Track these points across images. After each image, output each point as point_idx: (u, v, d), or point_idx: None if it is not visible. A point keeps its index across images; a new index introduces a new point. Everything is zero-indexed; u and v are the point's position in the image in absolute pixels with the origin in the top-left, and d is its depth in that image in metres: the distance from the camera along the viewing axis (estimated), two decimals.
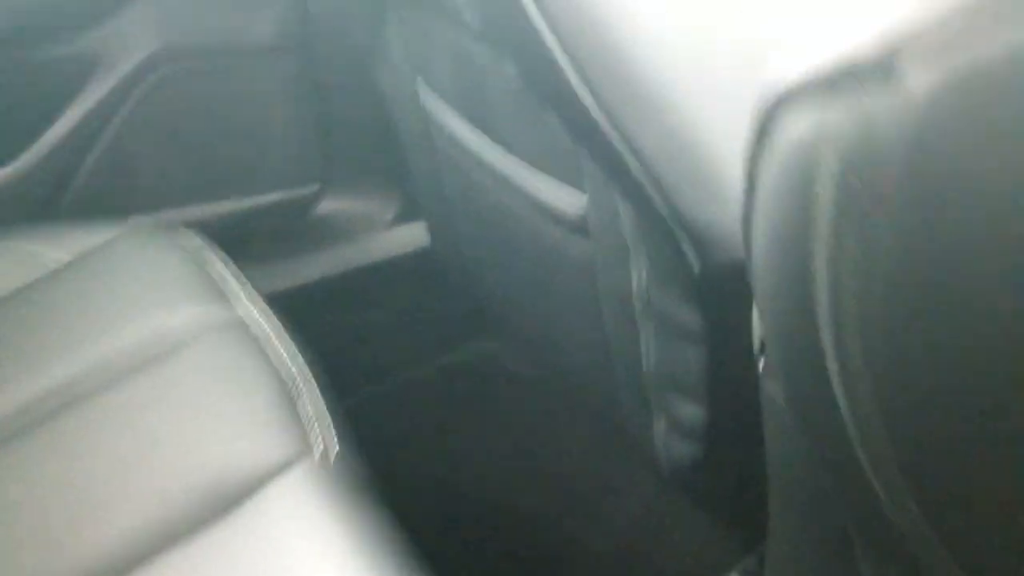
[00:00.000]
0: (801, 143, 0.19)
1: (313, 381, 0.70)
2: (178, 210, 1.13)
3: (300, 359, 0.71)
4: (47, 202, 1.07)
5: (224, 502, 0.61)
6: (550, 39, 0.52)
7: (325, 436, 0.65)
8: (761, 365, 0.58)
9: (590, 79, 0.53)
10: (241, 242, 1.20)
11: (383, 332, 1.27)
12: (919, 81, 0.17)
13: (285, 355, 0.72)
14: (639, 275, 0.68)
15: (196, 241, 0.85)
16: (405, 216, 1.25)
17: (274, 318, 0.75)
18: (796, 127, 0.20)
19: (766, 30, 0.52)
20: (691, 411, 0.72)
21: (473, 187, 0.91)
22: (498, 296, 1.07)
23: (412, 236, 1.24)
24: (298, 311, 1.22)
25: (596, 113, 0.55)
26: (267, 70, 1.12)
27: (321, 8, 1.10)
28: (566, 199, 0.73)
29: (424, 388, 1.27)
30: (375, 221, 1.25)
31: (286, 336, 0.73)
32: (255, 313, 0.76)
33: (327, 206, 1.24)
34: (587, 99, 0.54)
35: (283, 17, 1.09)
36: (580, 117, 0.56)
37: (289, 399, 0.68)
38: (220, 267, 0.81)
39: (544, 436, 1.21)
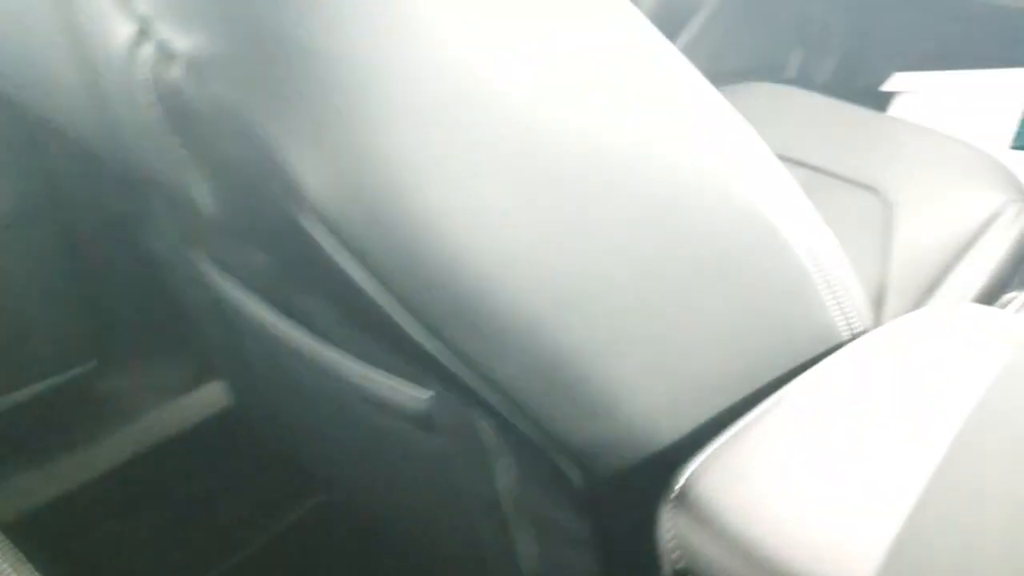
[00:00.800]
0: None
1: None
2: None
3: None
4: None
5: None
6: (362, 278, 0.42)
7: None
8: None
9: (422, 316, 0.43)
10: (13, 444, 1.03)
11: (199, 511, 1.12)
12: None
13: None
14: (506, 478, 0.59)
15: None
16: (200, 378, 1.10)
17: None
18: None
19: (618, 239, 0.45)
20: None
21: (281, 366, 0.79)
22: (327, 461, 0.95)
23: (212, 398, 1.10)
24: (94, 510, 1.06)
25: (433, 347, 0.45)
26: (15, 247, 0.96)
27: (68, 172, 0.96)
28: (406, 393, 0.63)
29: (261, 565, 1.13)
30: (167, 388, 1.10)
31: None
32: None
33: (109, 383, 1.08)
34: (421, 335, 0.44)
35: (23, 187, 0.94)
36: (414, 350, 0.46)
37: None
38: None
39: None
